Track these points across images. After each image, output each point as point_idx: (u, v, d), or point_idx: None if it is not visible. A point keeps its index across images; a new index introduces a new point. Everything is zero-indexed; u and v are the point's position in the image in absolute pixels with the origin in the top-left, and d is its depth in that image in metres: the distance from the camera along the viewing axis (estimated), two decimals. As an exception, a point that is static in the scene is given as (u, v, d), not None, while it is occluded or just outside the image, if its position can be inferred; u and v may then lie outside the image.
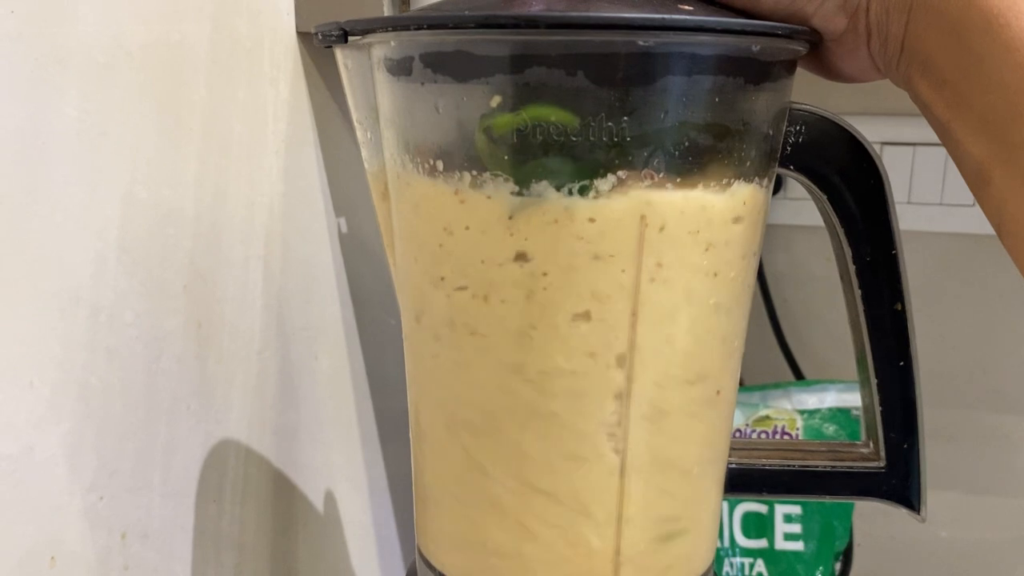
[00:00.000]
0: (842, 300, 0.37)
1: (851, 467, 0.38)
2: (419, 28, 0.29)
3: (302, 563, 0.52)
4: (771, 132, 0.32)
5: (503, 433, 0.32)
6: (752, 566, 0.63)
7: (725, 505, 0.64)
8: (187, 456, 0.42)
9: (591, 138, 0.28)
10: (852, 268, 0.35)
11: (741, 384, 0.39)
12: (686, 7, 0.29)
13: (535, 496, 0.32)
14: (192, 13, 0.40)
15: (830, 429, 0.64)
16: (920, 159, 0.69)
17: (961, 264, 0.72)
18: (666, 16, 0.27)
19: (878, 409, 0.37)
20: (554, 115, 0.28)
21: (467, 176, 0.29)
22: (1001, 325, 0.72)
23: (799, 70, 0.33)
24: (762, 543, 0.63)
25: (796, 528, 0.63)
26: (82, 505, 0.36)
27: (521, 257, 0.29)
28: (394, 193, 0.33)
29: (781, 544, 0.63)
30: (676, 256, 0.30)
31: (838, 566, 0.65)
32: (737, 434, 0.64)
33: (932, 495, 0.38)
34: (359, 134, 0.35)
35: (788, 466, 0.39)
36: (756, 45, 0.29)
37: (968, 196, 0.30)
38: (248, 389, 0.46)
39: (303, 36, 0.49)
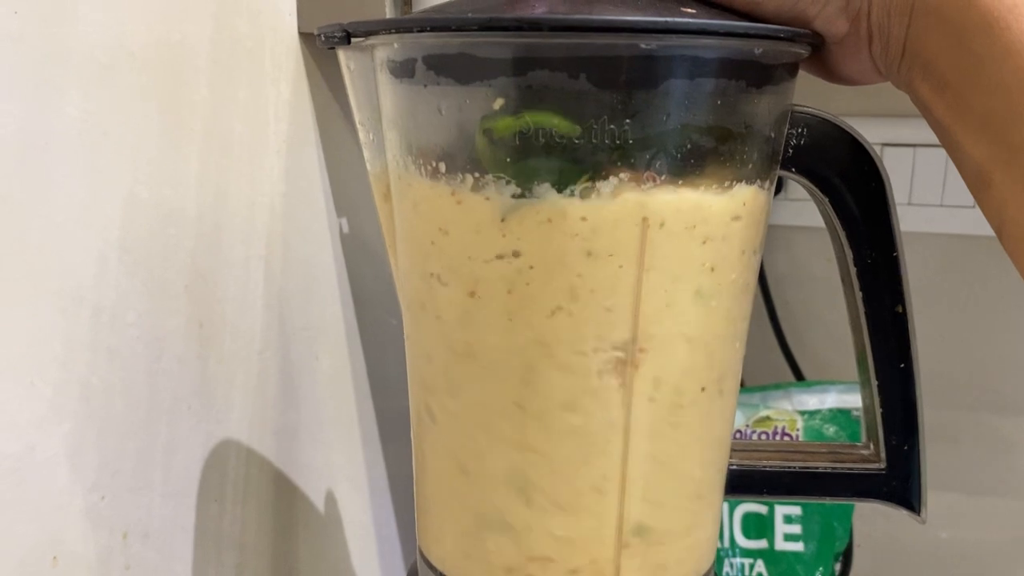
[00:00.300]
0: (842, 301, 0.37)
1: (851, 468, 0.38)
2: (422, 30, 0.29)
3: (303, 563, 0.52)
4: (773, 135, 0.32)
5: (501, 432, 0.32)
6: (752, 567, 0.63)
7: (725, 506, 0.64)
8: (188, 456, 0.42)
9: (593, 141, 0.28)
10: (853, 270, 0.35)
11: (742, 385, 0.39)
12: (689, 10, 0.29)
13: (536, 496, 0.32)
14: (193, 13, 0.40)
15: (830, 430, 0.64)
16: (921, 160, 0.69)
17: (961, 265, 0.72)
18: (669, 19, 0.27)
19: (879, 410, 0.37)
20: (554, 120, 0.28)
21: (469, 178, 0.29)
22: (1002, 326, 0.72)
23: (801, 72, 0.33)
24: (762, 544, 0.63)
25: (796, 529, 0.63)
26: (83, 505, 0.36)
27: (517, 255, 0.29)
28: (396, 194, 0.33)
29: (781, 545, 0.63)
30: (674, 254, 0.30)
31: (838, 567, 0.65)
32: (737, 435, 0.64)
33: (932, 496, 0.38)
34: (362, 135, 0.35)
35: (788, 467, 0.39)
36: (758, 48, 0.29)
37: (969, 197, 0.30)
38: (249, 389, 0.46)
39: (305, 36, 0.49)
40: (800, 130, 0.33)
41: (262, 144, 0.46)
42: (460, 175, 0.30)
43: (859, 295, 0.35)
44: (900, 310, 0.35)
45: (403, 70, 0.30)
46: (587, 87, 0.28)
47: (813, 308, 0.76)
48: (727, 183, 0.30)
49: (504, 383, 0.31)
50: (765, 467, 0.39)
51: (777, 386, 0.68)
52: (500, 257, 0.30)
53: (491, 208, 0.29)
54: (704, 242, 0.30)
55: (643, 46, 0.27)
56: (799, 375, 0.75)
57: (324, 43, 0.32)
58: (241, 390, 0.46)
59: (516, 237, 0.29)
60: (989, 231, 0.30)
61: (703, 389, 0.33)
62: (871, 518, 0.72)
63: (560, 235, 0.29)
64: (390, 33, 0.30)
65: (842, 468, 0.38)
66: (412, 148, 0.31)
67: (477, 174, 0.29)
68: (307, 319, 0.51)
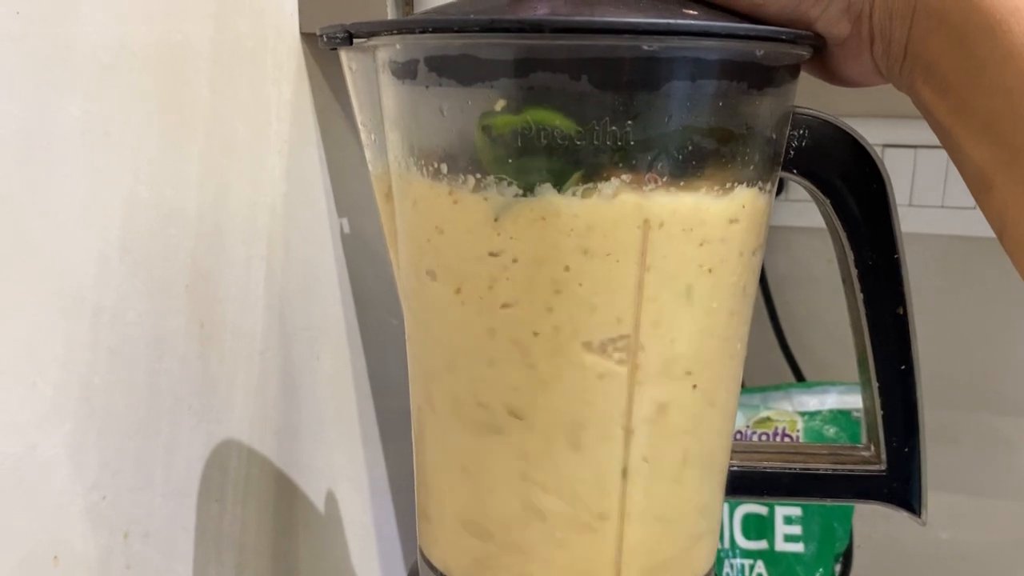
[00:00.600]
0: (843, 302, 0.37)
1: (852, 470, 0.38)
2: (424, 31, 0.29)
3: (303, 563, 0.53)
4: (774, 136, 0.32)
5: (500, 432, 0.32)
6: (752, 567, 0.63)
7: (725, 507, 0.64)
8: (189, 456, 0.42)
9: (595, 142, 0.28)
10: (854, 272, 0.35)
11: (742, 386, 0.39)
12: (690, 12, 0.29)
13: (536, 495, 0.32)
14: (195, 13, 0.40)
15: (831, 431, 0.64)
16: (922, 162, 0.69)
17: (962, 266, 0.72)
18: (671, 21, 0.27)
19: (879, 412, 0.37)
20: (554, 119, 0.28)
21: (471, 179, 0.29)
22: (1002, 327, 0.72)
23: (802, 74, 0.33)
24: (762, 544, 0.63)
25: (796, 530, 0.63)
26: (84, 504, 0.36)
27: (513, 255, 0.29)
28: (397, 194, 0.33)
29: (781, 546, 0.63)
30: (672, 255, 0.30)
31: (838, 568, 0.65)
32: (738, 436, 0.64)
33: (932, 497, 0.38)
34: (363, 136, 0.35)
35: (789, 468, 0.39)
36: (760, 50, 0.29)
37: (969, 199, 0.30)
38: (250, 389, 0.46)
39: (306, 37, 0.49)
40: (801, 131, 0.33)
41: (263, 144, 0.46)
42: (462, 176, 0.30)
43: (860, 296, 0.35)
44: (901, 311, 0.35)
45: (405, 71, 0.30)
46: (589, 88, 0.28)
47: (814, 309, 0.76)
48: (727, 185, 0.30)
49: (494, 384, 0.31)
50: (765, 468, 0.39)
51: (777, 387, 0.68)
52: (493, 255, 0.30)
53: (487, 207, 0.29)
54: (702, 244, 0.30)
55: (645, 48, 0.27)
56: (799, 376, 0.75)
57: (326, 44, 0.32)
58: (242, 390, 0.46)
59: (509, 236, 0.29)
60: (990, 233, 0.30)
61: (703, 390, 0.33)
62: (871, 519, 0.72)
63: (554, 232, 0.29)
64: (392, 34, 0.30)
65: (842, 469, 0.38)
66: (414, 149, 0.31)
67: (478, 175, 0.29)
68: (308, 319, 0.51)
